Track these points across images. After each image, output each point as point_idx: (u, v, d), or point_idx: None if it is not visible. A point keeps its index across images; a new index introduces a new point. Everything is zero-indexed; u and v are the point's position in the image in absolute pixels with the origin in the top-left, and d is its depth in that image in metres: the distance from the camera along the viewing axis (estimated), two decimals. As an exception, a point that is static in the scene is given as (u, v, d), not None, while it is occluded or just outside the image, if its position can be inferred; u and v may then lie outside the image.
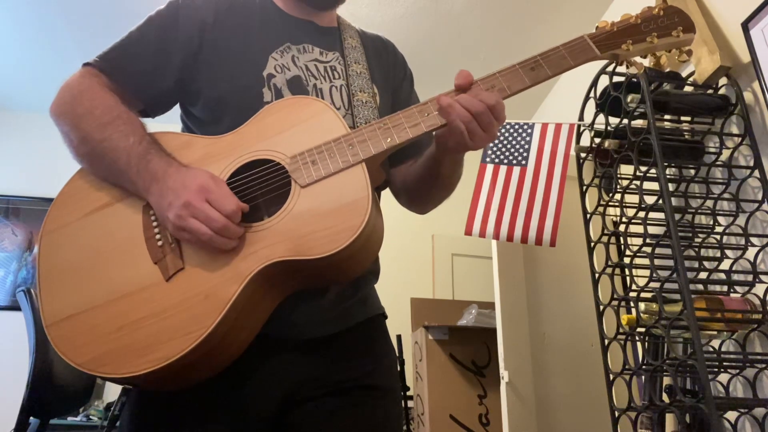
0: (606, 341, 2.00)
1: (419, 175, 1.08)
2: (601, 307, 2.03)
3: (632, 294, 1.90)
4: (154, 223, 0.89)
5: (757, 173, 1.91)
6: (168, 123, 1.07)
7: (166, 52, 1.01)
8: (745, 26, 1.99)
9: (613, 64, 2.09)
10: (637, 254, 1.91)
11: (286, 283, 0.88)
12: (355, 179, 0.87)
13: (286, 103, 0.96)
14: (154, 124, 0.98)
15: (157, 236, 0.87)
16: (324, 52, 1.10)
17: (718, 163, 2.01)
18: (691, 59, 2.09)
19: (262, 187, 0.90)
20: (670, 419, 1.91)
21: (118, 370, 0.80)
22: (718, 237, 1.94)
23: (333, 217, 0.84)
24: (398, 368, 1.29)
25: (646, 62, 1.00)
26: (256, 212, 0.89)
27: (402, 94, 1.21)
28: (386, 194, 1.14)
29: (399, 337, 3.18)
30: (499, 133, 2.41)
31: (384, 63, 1.20)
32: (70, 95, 0.98)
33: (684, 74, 2.17)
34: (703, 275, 1.92)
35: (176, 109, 1.10)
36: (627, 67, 0.99)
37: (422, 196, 1.14)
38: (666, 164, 1.90)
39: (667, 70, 2.21)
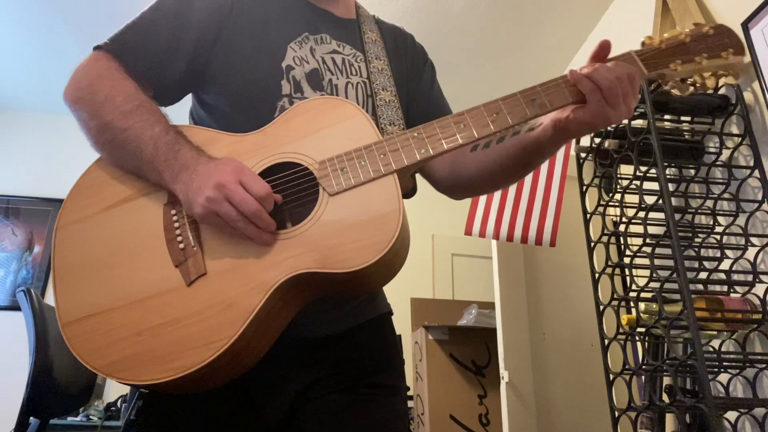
0: (606, 341, 2.00)
1: (497, 165, 1.01)
2: (601, 307, 2.03)
3: (632, 294, 1.90)
4: (176, 224, 0.87)
5: (757, 173, 1.91)
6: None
7: (180, 37, 0.98)
8: (745, 26, 1.99)
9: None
10: (637, 254, 1.91)
11: (310, 292, 0.86)
12: (385, 190, 0.83)
13: (315, 104, 0.93)
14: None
15: (179, 238, 0.85)
16: (341, 45, 1.08)
17: (718, 163, 2.01)
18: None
19: (289, 191, 0.87)
20: (670, 419, 1.91)
21: (137, 376, 0.79)
22: (718, 237, 1.94)
23: (362, 229, 0.81)
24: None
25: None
26: (280, 218, 0.87)
27: (423, 85, 1.18)
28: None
29: (399, 337, 3.16)
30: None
31: (402, 55, 1.17)
32: (87, 80, 0.94)
33: (684, 74, 2.17)
34: (703, 275, 1.91)
35: (182, 105, 1.09)
36: (672, 88, 0.93)
37: (487, 185, 1.08)
38: (666, 164, 1.90)
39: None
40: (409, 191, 1.00)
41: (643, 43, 0.94)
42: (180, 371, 0.77)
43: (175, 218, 0.87)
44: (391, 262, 0.84)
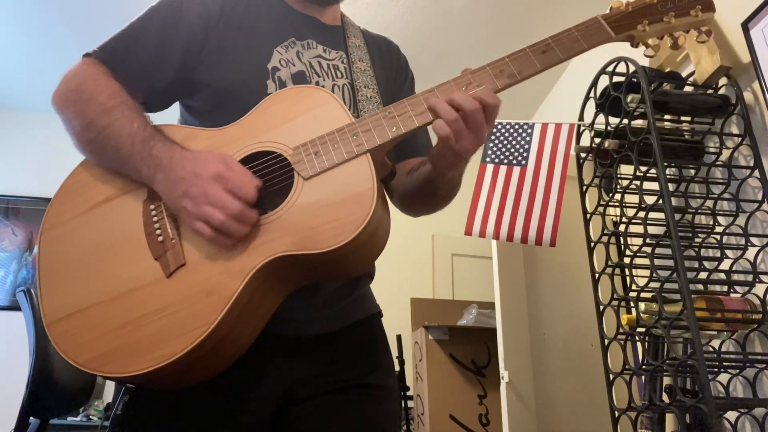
0: (606, 341, 2.00)
1: (415, 189, 1.07)
2: (601, 307, 2.03)
3: (632, 294, 1.90)
4: (155, 218, 0.88)
5: (757, 173, 1.91)
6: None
7: (168, 44, 1.00)
8: (745, 26, 1.99)
9: (614, 64, 2.09)
10: (637, 254, 1.91)
11: (291, 278, 0.87)
12: (359, 170, 0.85)
13: (289, 93, 0.95)
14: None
15: (158, 231, 0.86)
16: (327, 50, 1.10)
17: (718, 163, 2.01)
18: (691, 59, 2.10)
19: (266, 179, 0.88)
20: (670, 419, 1.91)
21: (119, 369, 0.79)
22: (718, 237, 1.93)
23: (337, 209, 0.82)
24: (397, 368, 1.29)
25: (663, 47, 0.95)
26: (259, 206, 0.88)
27: (403, 97, 1.20)
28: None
29: (399, 337, 3.18)
30: (499, 133, 2.41)
31: (387, 66, 1.19)
32: (74, 83, 0.97)
33: (684, 74, 2.17)
34: (703, 275, 1.91)
35: (173, 112, 1.10)
36: (645, 48, 0.94)
37: (416, 207, 1.14)
38: (666, 164, 1.90)
39: (667, 70, 2.21)
40: (387, 175, 1.01)
41: (611, 8, 0.94)
42: (162, 360, 0.77)
43: (153, 212, 0.88)
44: (370, 241, 0.84)
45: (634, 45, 0.94)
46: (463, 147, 0.88)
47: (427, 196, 1.06)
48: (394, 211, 0.97)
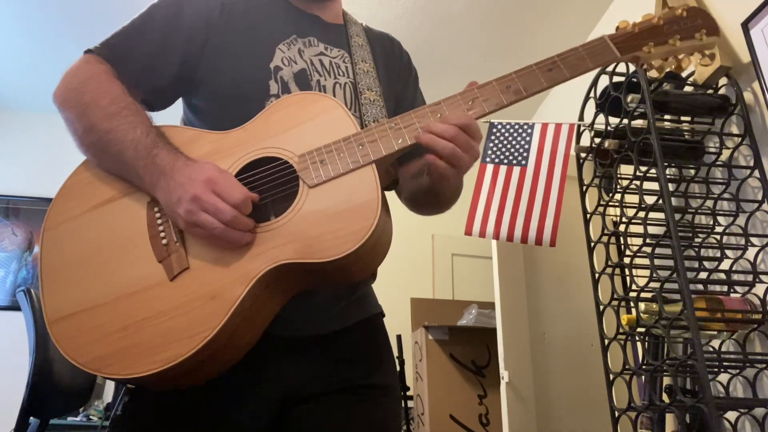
0: (606, 341, 2.00)
1: (421, 194, 1.08)
2: (601, 307, 2.03)
3: (632, 294, 1.90)
4: (159, 221, 0.87)
5: (757, 173, 1.91)
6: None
7: (170, 41, 1.00)
8: (745, 26, 1.99)
9: (614, 64, 2.09)
10: (637, 254, 1.91)
11: (293, 284, 0.87)
12: (364, 180, 0.85)
13: (294, 99, 0.94)
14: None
15: (162, 234, 0.86)
16: (329, 48, 1.09)
17: (718, 163, 2.01)
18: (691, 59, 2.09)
19: (270, 185, 0.88)
20: (670, 419, 1.91)
21: (122, 370, 0.79)
22: (718, 237, 1.93)
23: (342, 219, 0.83)
24: (398, 368, 1.30)
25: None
26: (263, 211, 0.88)
27: (407, 95, 1.20)
28: (389, 193, 1.13)
29: (399, 337, 3.18)
30: (498, 133, 2.41)
31: (390, 65, 1.19)
32: (75, 82, 0.96)
33: (684, 74, 2.17)
34: (703, 275, 1.91)
35: (176, 109, 1.10)
36: (648, 70, 0.97)
37: (425, 209, 1.15)
38: (666, 164, 1.90)
39: (667, 69, 2.21)
40: (390, 183, 1.01)
41: (617, 28, 0.96)
42: (165, 363, 0.78)
43: (158, 215, 0.88)
44: (373, 250, 0.85)
45: (639, 66, 0.96)
46: (461, 168, 0.90)
47: (433, 200, 1.08)
48: (394, 211, 0.97)
